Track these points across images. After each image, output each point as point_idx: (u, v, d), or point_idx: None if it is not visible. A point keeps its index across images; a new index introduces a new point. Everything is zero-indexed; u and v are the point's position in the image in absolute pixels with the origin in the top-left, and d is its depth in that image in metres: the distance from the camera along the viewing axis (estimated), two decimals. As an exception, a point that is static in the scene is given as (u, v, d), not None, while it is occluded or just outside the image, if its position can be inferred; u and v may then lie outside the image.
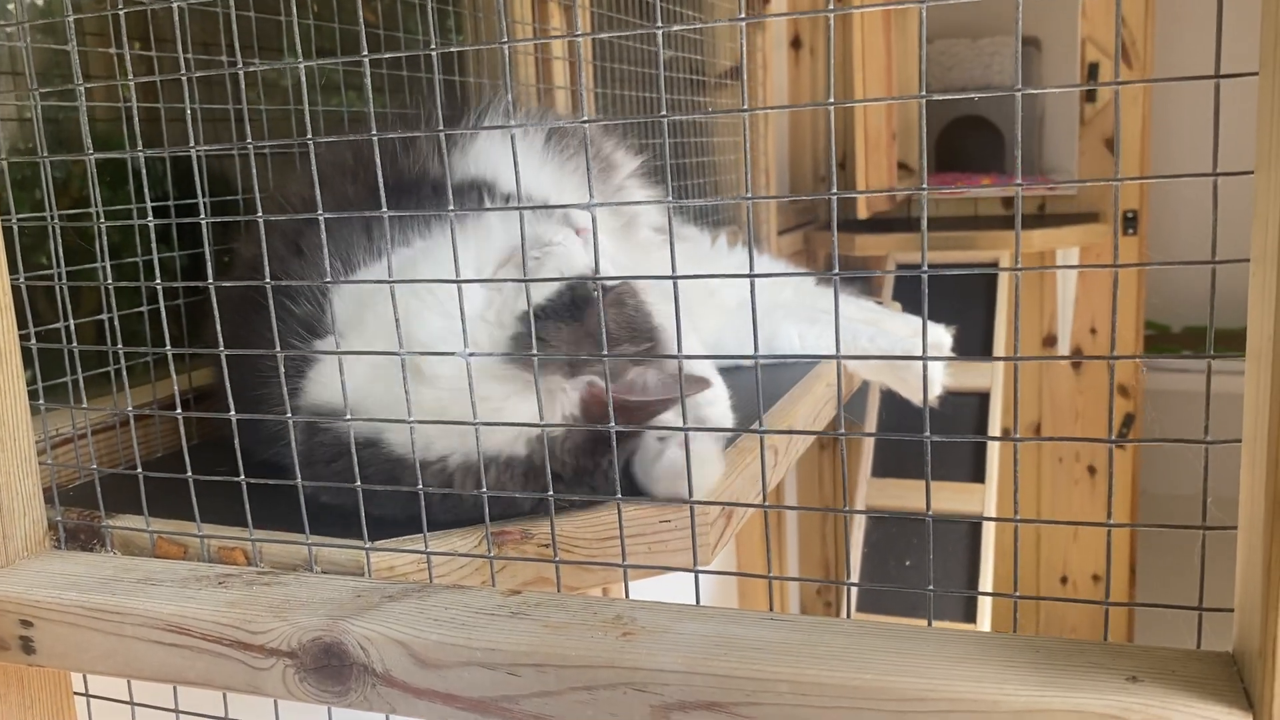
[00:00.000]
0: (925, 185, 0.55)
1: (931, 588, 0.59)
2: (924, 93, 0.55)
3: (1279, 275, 0.46)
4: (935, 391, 1.17)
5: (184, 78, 0.68)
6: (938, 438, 0.57)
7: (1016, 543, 0.58)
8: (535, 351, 0.66)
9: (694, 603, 0.64)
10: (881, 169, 2.65)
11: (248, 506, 0.72)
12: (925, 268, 0.54)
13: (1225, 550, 0.54)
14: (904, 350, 1.17)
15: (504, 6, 0.88)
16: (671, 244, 0.61)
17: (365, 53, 0.62)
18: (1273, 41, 0.46)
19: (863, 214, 2.61)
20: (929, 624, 0.59)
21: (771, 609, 0.67)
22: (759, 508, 0.67)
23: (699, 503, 0.68)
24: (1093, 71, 2.78)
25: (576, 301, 0.75)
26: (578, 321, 0.75)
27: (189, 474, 0.73)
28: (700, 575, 0.67)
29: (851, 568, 2.16)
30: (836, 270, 0.57)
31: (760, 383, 0.60)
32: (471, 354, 0.65)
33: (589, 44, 1.57)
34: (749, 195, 0.59)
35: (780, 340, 1.18)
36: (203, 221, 0.67)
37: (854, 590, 2.26)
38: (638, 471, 0.78)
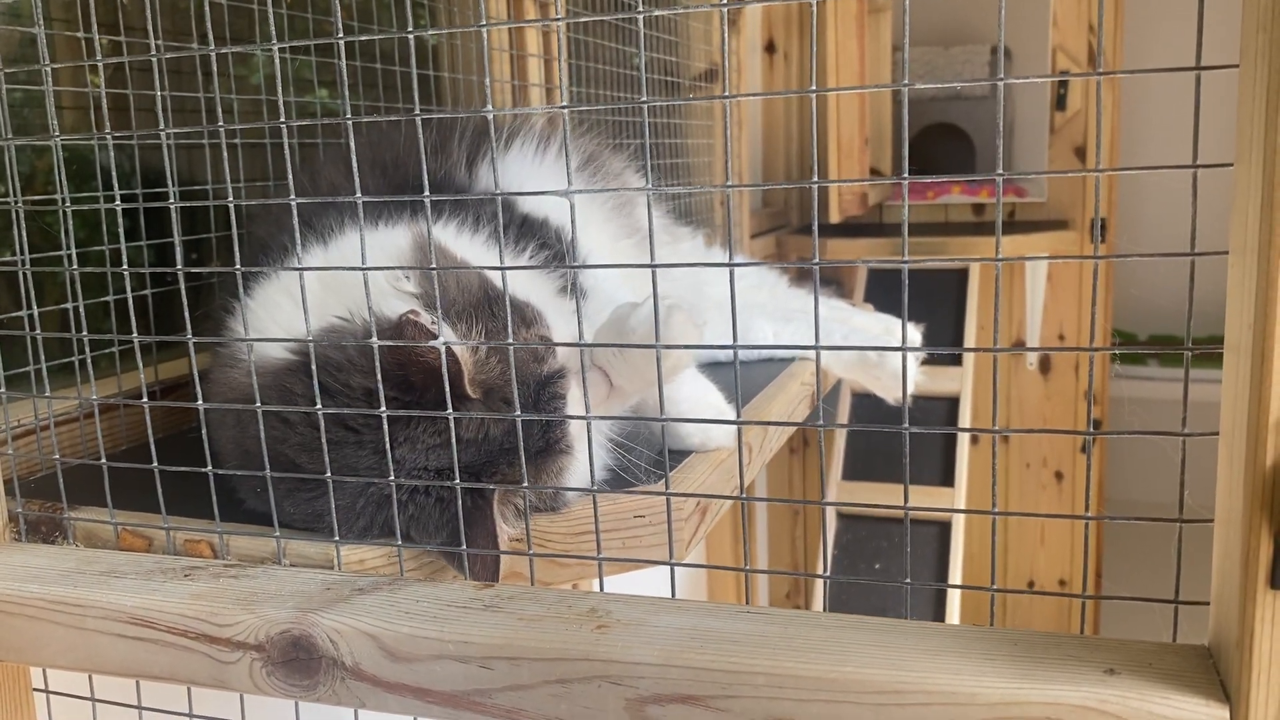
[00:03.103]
0: (906, 176, 0.55)
1: (908, 580, 0.58)
2: (905, 81, 0.55)
3: (1258, 267, 0.46)
4: (907, 390, 1.18)
5: (153, 59, 0.67)
6: (916, 429, 0.57)
7: (994, 536, 0.58)
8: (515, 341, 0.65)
9: (669, 596, 0.63)
10: (854, 175, 2.66)
11: (214, 499, 0.71)
12: (906, 258, 0.54)
13: (1195, 546, 0.55)
14: (877, 352, 1.17)
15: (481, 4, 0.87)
16: (651, 237, 0.61)
17: (340, 43, 0.61)
18: (1253, 32, 0.46)
19: (834, 218, 2.61)
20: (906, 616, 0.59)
21: (747, 586, 0.67)
22: (735, 499, 0.66)
23: (675, 495, 0.68)
24: (1063, 80, 2.81)
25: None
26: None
27: (154, 464, 0.72)
28: (671, 572, 0.66)
29: (825, 565, 2.16)
30: (816, 260, 0.57)
31: (737, 377, 0.60)
32: (445, 343, 0.64)
33: (565, 44, 1.56)
34: (729, 184, 0.59)
35: (755, 338, 1.18)
36: (171, 206, 0.66)
37: (824, 591, 2.26)
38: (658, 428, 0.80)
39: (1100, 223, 2.76)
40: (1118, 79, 2.77)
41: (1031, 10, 3.07)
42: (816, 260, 0.56)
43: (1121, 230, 2.89)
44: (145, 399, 0.74)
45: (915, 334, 1.18)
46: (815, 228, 0.57)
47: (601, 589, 0.64)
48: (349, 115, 0.61)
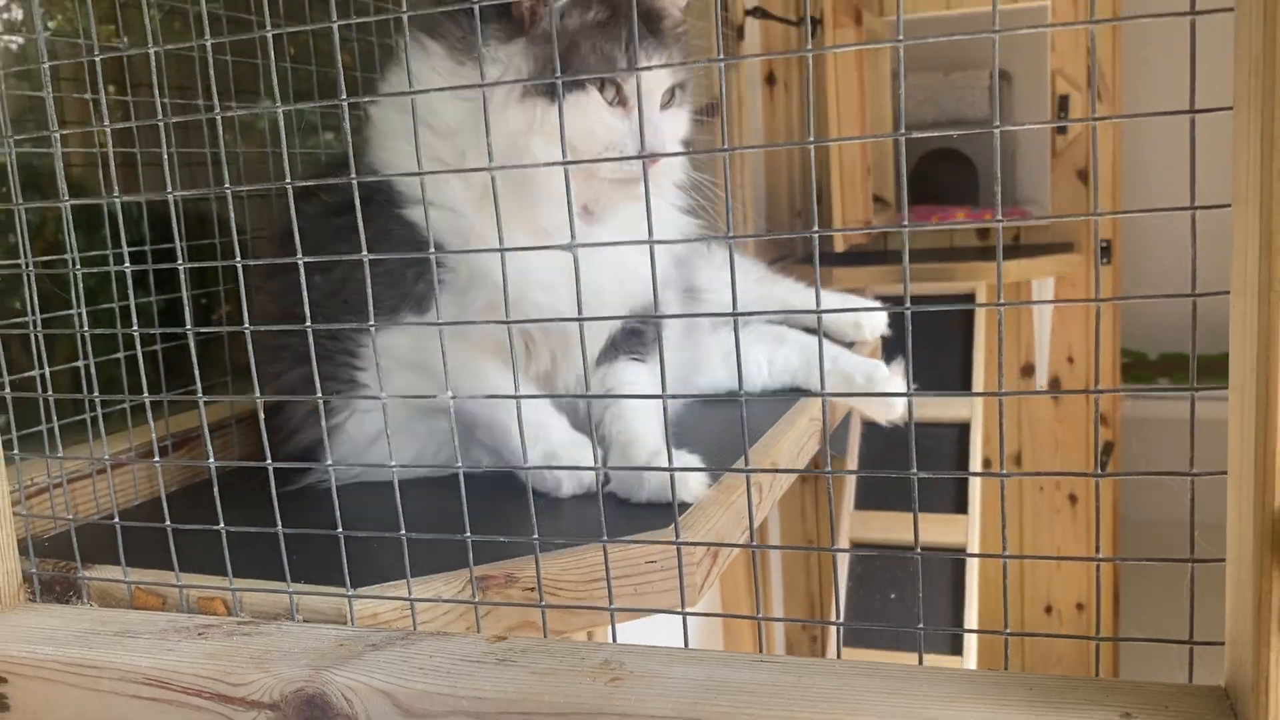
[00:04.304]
0: (906, 222, 0.55)
1: (921, 626, 0.58)
2: (902, 131, 0.55)
3: (1258, 309, 0.47)
4: (896, 416, 1.19)
5: (160, 123, 0.68)
6: (923, 474, 0.57)
7: (1005, 580, 0.57)
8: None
9: (682, 644, 0.63)
10: (857, 203, 2.67)
11: (227, 555, 0.71)
12: (908, 304, 0.55)
13: (1212, 579, 0.54)
14: (865, 374, 1.18)
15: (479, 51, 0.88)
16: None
17: (343, 96, 0.62)
18: (1246, 77, 0.46)
19: (839, 247, 2.62)
20: (919, 660, 0.58)
21: (759, 648, 0.67)
22: (746, 547, 0.66)
23: (686, 543, 0.68)
24: (1063, 103, 2.82)
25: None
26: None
27: (167, 523, 0.72)
28: (684, 621, 0.66)
29: (836, 602, 2.16)
30: (819, 309, 0.57)
31: (744, 428, 0.60)
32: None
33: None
34: (730, 234, 0.59)
35: (748, 364, 1.18)
36: (180, 267, 0.67)
37: (837, 638, 2.24)
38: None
39: (1105, 246, 2.76)
40: (1119, 102, 2.79)
41: (1030, 34, 3.09)
42: (819, 309, 0.57)
43: (1127, 252, 2.90)
44: (157, 455, 0.74)
45: (898, 380, 1.18)
46: (818, 279, 0.57)
47: (614, 639, 0.64)
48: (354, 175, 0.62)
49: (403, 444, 0.95)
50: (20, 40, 1.11)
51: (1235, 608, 0.51)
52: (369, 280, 0.64)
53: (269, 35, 0.64)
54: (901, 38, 0.53)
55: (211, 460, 0.70)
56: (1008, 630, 0.56)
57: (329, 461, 0.68)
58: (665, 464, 0.91)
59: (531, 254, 0.89)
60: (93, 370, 0.84)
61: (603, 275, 0.90)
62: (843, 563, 2.21)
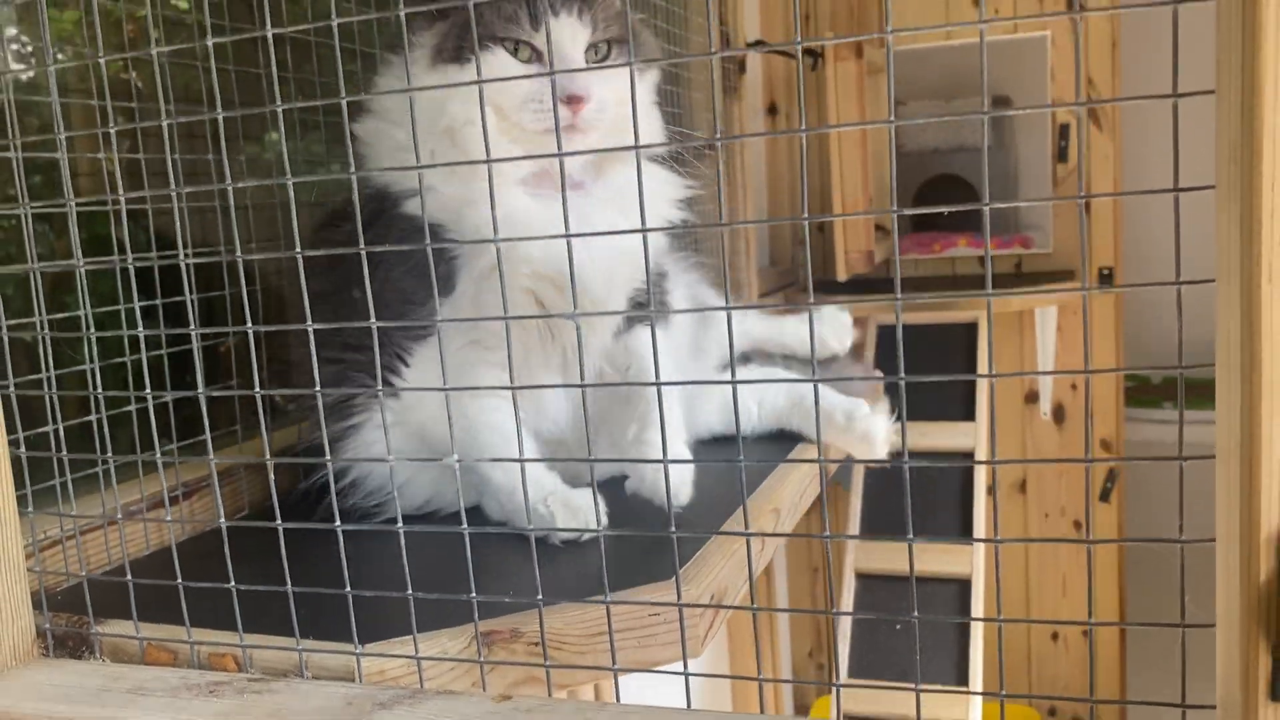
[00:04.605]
0: (898, 290, 0.57)
1: (919, 686, 0.59)
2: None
3: (1240, 384, 0.48)
4: (877, 454, 1.19)
5: (173, 197, 0.69)
6: (921, 539, 0.58)
7: (1000, 641, 0.59)
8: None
9: (685, 703, 0.64)
10: (859, 232, 2.69)
11: (238, 613, 0.72)
12: (902, 375, 0.56)
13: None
14: (845, 413, 1.19)
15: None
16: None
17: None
18: (1226, 163, 0.48)
19: (842, 276, 2.64)
20: (916, 690, 0.59)
21: (760, 706, 0.68)
22: (747, 609, 0.67)
23: (687, 605, 0.69)
24: (1063, 132, 2.84)
25: None
26: None
27: (178, 580, 0.74)
28: (686, 682, 0.67)
29: (840, 635, 2.16)
30: (815, 377, 0.59)
31: (744, 490, 0.61)
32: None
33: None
34: (729, 305, 0.61)
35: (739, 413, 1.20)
36: (192, 333, 0.68)
37: (844, 652, 2.25)
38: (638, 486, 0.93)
39: (1107, 273, 2.78)
40: (1118, 131, 2.80)
41: (1031, 60, 3.12)
42: (815, 377, 0.58)
43: (1129, 278, 2.90)
44: (168, 511, 0.76)
45: (879, 418, 1.19)
46: (814, 352, 0.58)
47: (618, 698, 0.66)
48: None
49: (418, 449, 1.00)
50: (29, 72, 1.13)
51: (1225, 673, 0.52)
52: (366, 280, 0.66)
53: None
54: (893, 118, 0.55)
55: (222, 521, 0.71)
56: (1003, 693, 0.57)
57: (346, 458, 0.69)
58: (659, 479, 0.98)
59: (527, 210, 0.94)
60: (104, 424, 0.86)
61: (601, 242, 0.94)
62: (848, 592, 2.22)
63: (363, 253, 0.68)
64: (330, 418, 0.98)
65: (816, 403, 0.62)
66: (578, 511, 0.89)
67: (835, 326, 1.38)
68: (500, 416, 0.97)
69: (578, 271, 0.90)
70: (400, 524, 0.67)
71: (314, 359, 0.70)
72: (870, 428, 1.17)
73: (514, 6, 0.94)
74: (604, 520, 0.91)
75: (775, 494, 1.02)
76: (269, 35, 0.66)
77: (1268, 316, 0.46)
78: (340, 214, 1.03)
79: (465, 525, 0.65)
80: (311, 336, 0.68)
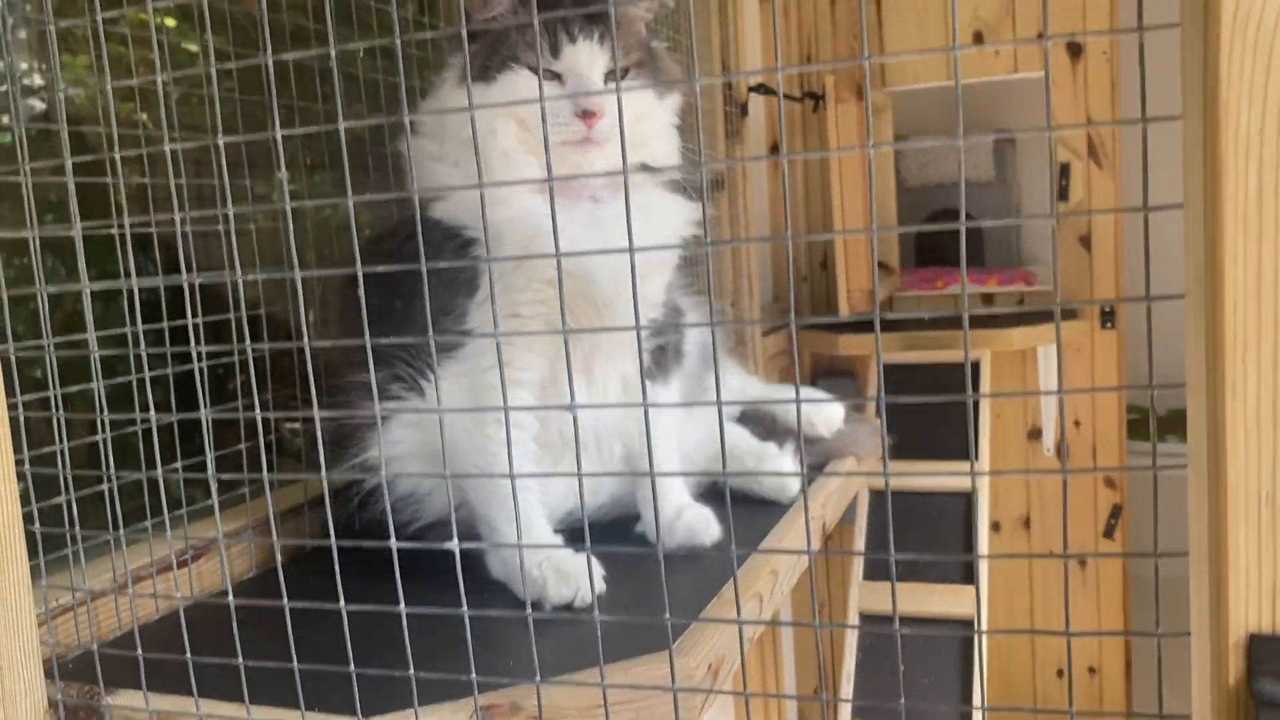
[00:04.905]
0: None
1: (906, 770, 0.61)
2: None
3: (1208, 484, 0.50)
4: (790, 496, 1.23)
5: (177, 215, 0.72)
6: (907, 631, 0.59)
7: (981, 665, 0.60)
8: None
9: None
10: (861, 270, 2.71)
11: (245, 689, 0.74)
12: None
13: None
14: (755, 456, 1.24)
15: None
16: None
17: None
18: (1194, 283, 0.50)
19: (845, 313, 2.66)
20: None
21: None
22: (740, 695, 0.69)
23: (683, 690, 0.71)
24: (1064, 171, 2.87)
25: None
26: None
27: (186, 654, 0.76)
28: (700, 702, 0.69)
29: (845, 676, 2.17)
30: (801, 424, 0.61)
31: (736, 572, 0.63)
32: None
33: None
34: (720, 400, 0.63)
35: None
36: (203, 418, 0.71)
37: (848, 690, 2.25)
38: (657, 530, 1.04)
39: (1109, 310, 2.79)
40: (1118, 169, 2.83)
41: (1032, 99, 3.14)
42: (800, 425, 0.60)
43: (1131, 316, 2.92)
44: (177, 588, 0.78)
45: (785, 458, 1.26)
46: (800, 430, 0.60)
47: (614, 776, 0.67)
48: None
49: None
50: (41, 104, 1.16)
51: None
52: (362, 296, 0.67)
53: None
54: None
55: (231, 599, 0.73)
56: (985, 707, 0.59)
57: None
58: (690, 521, 1.08)
59: (539, 211, 0.98)
60: (116, 494, 0.88)
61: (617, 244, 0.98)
62: (851, 634, 2.22)
63: (359, 270, 0.70)
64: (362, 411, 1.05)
65: (803, 466, 0.64)
66: (569, 578, 0.92)
67: (825, 416, 1.40)
68: (522, 460, 1.02)
69: (593, 275, 0.96)
70: (402, 605, 0.68)
71: (370, 372, 0.73)
72: (779, 469, 1.24)
73: (535, 36, 1.01)
74: (600, 586, 0.93)
75: (772, 557, 1.04)
76: (269, 63, 0.67)
77: (1232, 426, 0.48)
78: (384, 235, 1.16)
79: (465, 608, 0.67)
80: (369, 354, 0.71)
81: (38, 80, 1.22)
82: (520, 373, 1.04)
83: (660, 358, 1.15)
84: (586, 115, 0.99)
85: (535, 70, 1.01)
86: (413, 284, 1.01)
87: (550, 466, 1.08)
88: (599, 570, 0.96)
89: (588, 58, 1.03)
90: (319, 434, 0.70)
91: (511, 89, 1.02)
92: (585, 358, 1.08)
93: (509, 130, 1.02)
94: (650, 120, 1.08)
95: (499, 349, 0.68)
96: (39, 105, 1.22)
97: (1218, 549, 0.49)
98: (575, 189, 1.03)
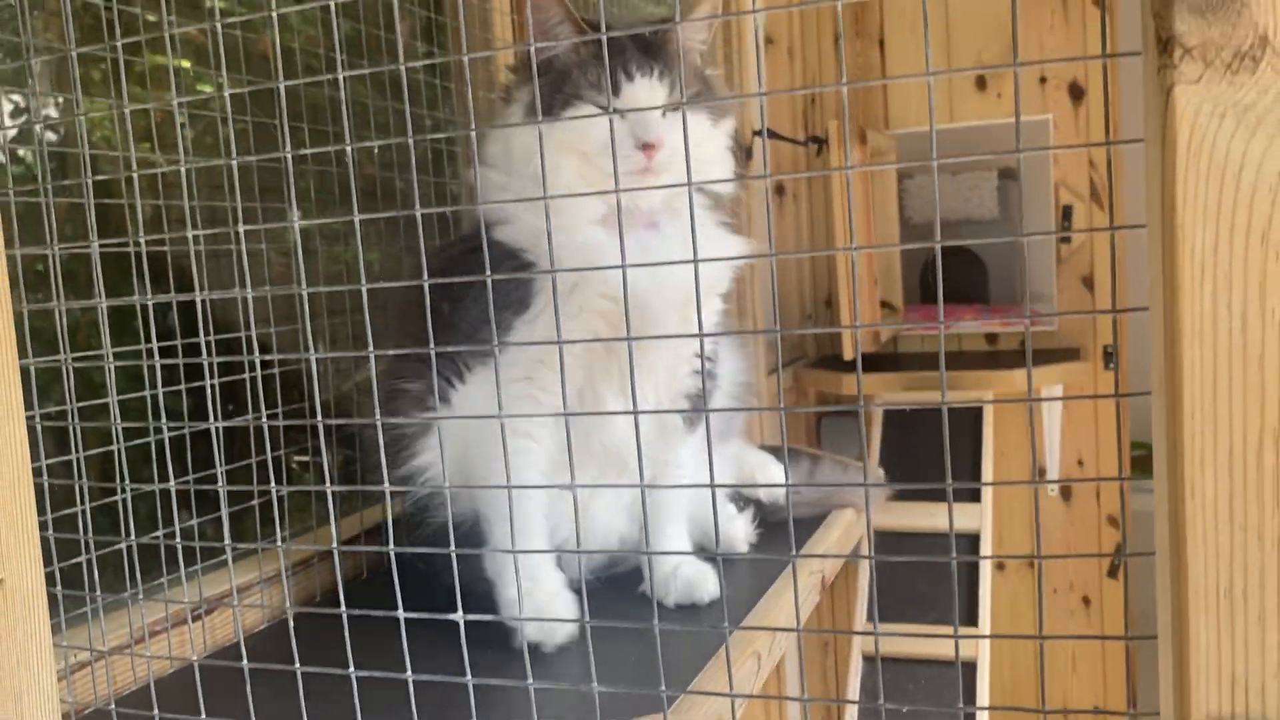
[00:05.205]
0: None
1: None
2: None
3: (1170, 570, 0.52)
4: (741, 549, 1.28)
5: (190, 237, 0.75)
6: (899, 708, 0.62)
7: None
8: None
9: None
10: (865, 310, 2.74)
11: (257, 749, 0.77)
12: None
13: None
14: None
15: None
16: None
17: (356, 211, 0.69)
18: (1156, 391, 0.52)
19: (848, 354, 2.69)
20: None
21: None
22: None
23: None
24: (1066, 213, 2.90)
25: None
26: None
27: (202, 716, 0.79)
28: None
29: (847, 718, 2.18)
30: (789, 485, 0.64)
31: (728, 651, 0.66)
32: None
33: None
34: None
35: (668, 543, 1.22)
36: (222, 489, 0.74)
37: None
38: (655, 587, 1.06)
39: (1111, 351, 2.82)
40: (1120, 213, 2.86)
41: (1034, 140, 3.18)
42: (789, 485, 0.63)
43: (1133, 357, 2.95)
44: (193, 651, 0.81)
45: (739, 521, 1.30)
46: (791, 523, 0.63)
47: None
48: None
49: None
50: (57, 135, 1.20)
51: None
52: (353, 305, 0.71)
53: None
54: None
55: (245, 663, 0.76)
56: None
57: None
58: (687, 576, 1.12)
59: (601, 243, 1.05)
60: (135, 551, 0.91)
61: (670, 275, 1.02)
62: (854, 676, 2.24)
63: (364, 284, 0.73)
64: (408, 409, 1.12)
65: (794, 566, 0.67)
66: (543, 627, 0.98)
67: (765, 476, 1.41)
68: (529, 472, 1.07)
69: (644, 298, 1.00)
70: (409, 671, 0.71)
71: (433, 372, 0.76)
72: (730, 530, 1.27)
73: (599, 72, 1.07)
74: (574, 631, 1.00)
75: (771, 615, 1.06)
76: (281, 89, 0.70)
77: (1192, 523, 0.51)
78: (445, 246, 1.31)
79: (470, 678, 0.70)
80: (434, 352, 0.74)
81: (52, 111, 1.26)
82: (544, 394, 1.09)
83: (697, 399, 1.17)
84: (646, 148, 1.03)
85: (602, 107, 1.07)
86: (461, 292, 1.07)
87: (584, 493, 1.13)
88: (574, 609, 1.02)
89: (647, 94, 1.08)
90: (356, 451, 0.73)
91: (574, 125, 1.07)
92: (623, 376, 1.11)
93: (571, 165, 1.06)
94: (706, 147, 1.13)
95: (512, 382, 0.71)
96: (52, 136, 1.25)
97: (1180, 637, 0.51)
98: (634, 216, 1.09)
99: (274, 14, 0.78)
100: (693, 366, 1.15)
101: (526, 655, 0.77)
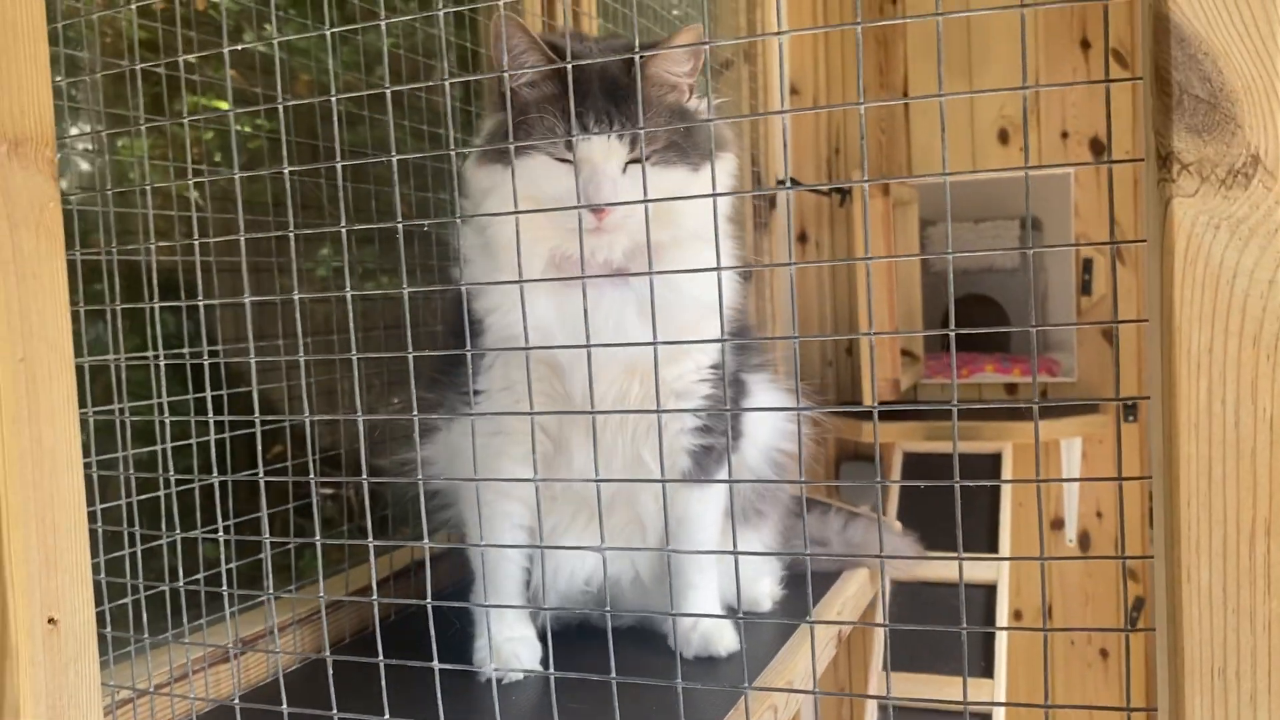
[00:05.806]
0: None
1: None
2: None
3: (1168, 649, 0.55)
4: (766, 607, 1.31)
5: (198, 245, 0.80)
6: (896, 700, 0.65)
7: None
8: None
9: None
10: (885, 359, 2.78)
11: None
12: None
13: None
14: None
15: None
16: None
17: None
18: (1157, 472, 0.56)
19: (868, 403, 2.72)
20: None
21: None
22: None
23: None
24: (1087, 266, 2.93)
25: None
26: None
27: (242, 756, 0.82)
28: None
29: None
30: (806, 542, 0.67)
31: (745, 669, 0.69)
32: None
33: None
34: (731, 479, 0.69)
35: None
36: (265, 540, 0.78)
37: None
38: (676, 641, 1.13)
39: (1132, 405, 2.83)
40: (1140, 265, 2.88)
41: (1056, 193, 3.22)
42: (806, 543, 0.66)
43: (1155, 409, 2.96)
44: (236, 695, 0.85)
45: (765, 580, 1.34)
46: (809, 584, 0.66)
47: None
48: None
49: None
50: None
51: None
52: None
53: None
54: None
55: (285, 707, 0.80)
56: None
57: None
58: (705, 631, 1.15)
59: (545, 308, 1.05)
60: (181, 595, 0.96)
61: (621, 329, 1.06)
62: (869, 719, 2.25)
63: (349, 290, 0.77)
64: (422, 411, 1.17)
65: (811, 610, 0.70)
66: (500, 656, 1.08)
67: (756, 594, 1.37)
68: (503, 525, 1.14)
69: (580, 366, 1.02)
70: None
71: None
72: (755, 591, 1.30)
73: (554, 121, 1.03)
74: (534, 664, 1.09)
75: (789, 667, 1.09)
76: (280, 107, 0.75)
77: (1187, 607, 0.54)
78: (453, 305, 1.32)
79: (499, 728, 0.74)
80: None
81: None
82: (516, 446, 1.13)
83: (703, 457, 1.13)
84: (596, 210, 0.99)
85: (557, 159, 1.04)
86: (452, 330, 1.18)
87: (555, 532, 1.17)
88: (537, 653, 1.09)
89: (602, 152, 1.02)
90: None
91: (529, 173, 1.03)
92: (586, 434, 1.10)
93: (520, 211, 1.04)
94: (682, 196, 1.03)
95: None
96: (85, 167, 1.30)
97: (1177, 713, 0.54)
98: (591, 267, 1.05)
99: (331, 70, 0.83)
100: (689, 424, 1.12)
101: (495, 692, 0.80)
